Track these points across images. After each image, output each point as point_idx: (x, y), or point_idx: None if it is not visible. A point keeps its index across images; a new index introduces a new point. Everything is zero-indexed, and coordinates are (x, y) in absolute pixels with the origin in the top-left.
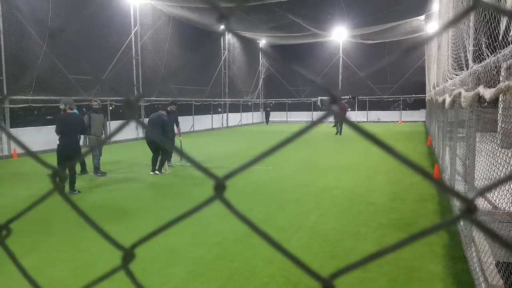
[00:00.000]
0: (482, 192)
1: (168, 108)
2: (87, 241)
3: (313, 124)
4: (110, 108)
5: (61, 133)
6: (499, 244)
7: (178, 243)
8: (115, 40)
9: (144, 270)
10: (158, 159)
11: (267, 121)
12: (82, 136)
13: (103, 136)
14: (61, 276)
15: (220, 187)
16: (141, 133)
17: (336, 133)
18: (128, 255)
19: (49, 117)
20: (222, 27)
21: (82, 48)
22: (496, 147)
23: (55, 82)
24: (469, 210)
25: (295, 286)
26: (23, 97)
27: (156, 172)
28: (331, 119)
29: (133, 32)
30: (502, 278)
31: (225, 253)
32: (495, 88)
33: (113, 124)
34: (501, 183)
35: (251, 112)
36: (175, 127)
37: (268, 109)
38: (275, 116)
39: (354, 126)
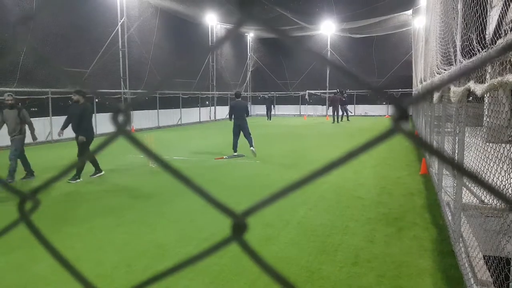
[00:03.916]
0: None
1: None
2: (71, 237)
3: (372, 144)
4: (96, 100)
5: None
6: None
7: (165, 239)
8: (102, 32)
9: (130, 267)
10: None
11: (269, 116)
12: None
13: (16, 134)
14: (44, 273)
15: (239, 227)
16: None
17: (337, 122)
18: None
19: (33, 109)
20: (208, 19)
21: (68, 40)
22: (483, 141)
23: (40, 73)
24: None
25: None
26: (7, 89)
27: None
28: (318, 112)
29: (119, 23)
30: (492, 275)
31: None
32: (487, 84)
33: (98, 117)
34: None
35: None
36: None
37: (270, 102)
38: (262, 109)
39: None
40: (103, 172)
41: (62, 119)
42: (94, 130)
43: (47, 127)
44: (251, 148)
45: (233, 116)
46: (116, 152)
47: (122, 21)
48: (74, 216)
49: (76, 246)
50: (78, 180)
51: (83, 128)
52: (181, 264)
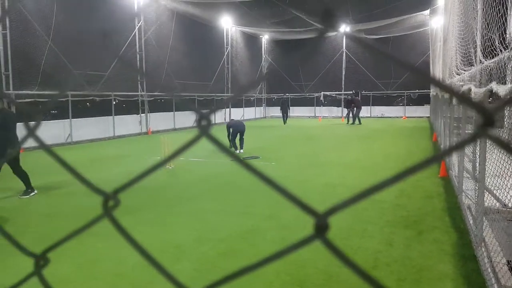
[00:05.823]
0: None
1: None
2: (92, 236)
3: (457, 147)
4: (114, 102)
5: None
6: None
7: (183, 239)
8: (119, 36)
9: (149, 267)
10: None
11: (285, 119)
12: None
13: None
14: (66, 272)
15: (321, 226)
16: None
17: (351, 123)
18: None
19: (54, 111)
20: (223, 22)
21: (86, 44)
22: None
23: (60, 77)
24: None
25: (301, 284)
26: (29, 92)
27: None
28: (333, 113)
29: (136, 27)
30: None
31: (229, 249)
32: (511, 85)
33: (116, 120)
34: None
35: (254, 107)
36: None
37: (285, 104)
38: (276, 111)
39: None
40: (36, 192)
41: (81, 121)
42: (112, 132)
43: (67, 129)
44: (241, 150)
45: (231, 129)
46: (136, 154)
47: (139, 25)
48: (94, 216)
49: (97, 245)
50: None
51: (5, 138)
52: (264, 260)
